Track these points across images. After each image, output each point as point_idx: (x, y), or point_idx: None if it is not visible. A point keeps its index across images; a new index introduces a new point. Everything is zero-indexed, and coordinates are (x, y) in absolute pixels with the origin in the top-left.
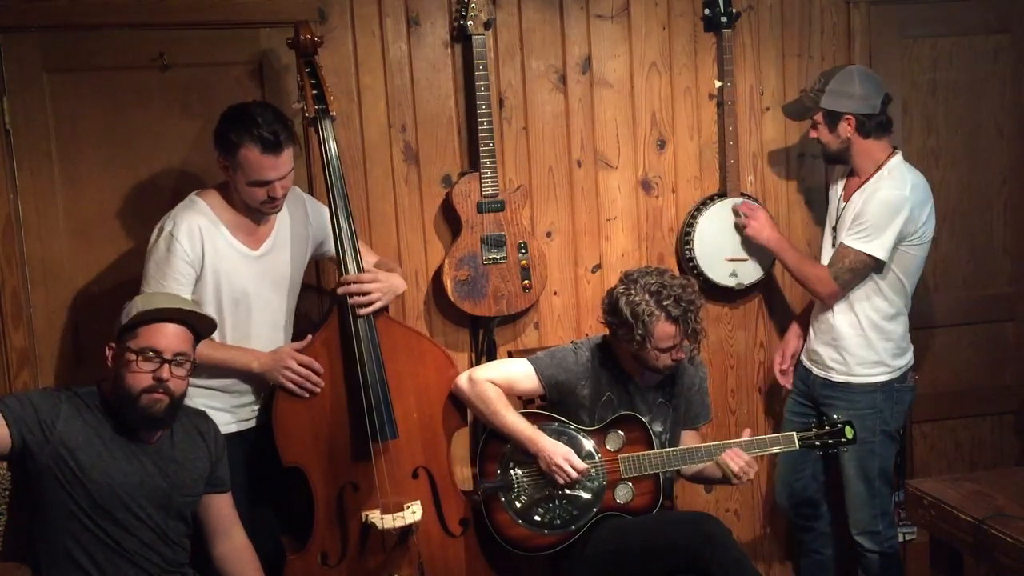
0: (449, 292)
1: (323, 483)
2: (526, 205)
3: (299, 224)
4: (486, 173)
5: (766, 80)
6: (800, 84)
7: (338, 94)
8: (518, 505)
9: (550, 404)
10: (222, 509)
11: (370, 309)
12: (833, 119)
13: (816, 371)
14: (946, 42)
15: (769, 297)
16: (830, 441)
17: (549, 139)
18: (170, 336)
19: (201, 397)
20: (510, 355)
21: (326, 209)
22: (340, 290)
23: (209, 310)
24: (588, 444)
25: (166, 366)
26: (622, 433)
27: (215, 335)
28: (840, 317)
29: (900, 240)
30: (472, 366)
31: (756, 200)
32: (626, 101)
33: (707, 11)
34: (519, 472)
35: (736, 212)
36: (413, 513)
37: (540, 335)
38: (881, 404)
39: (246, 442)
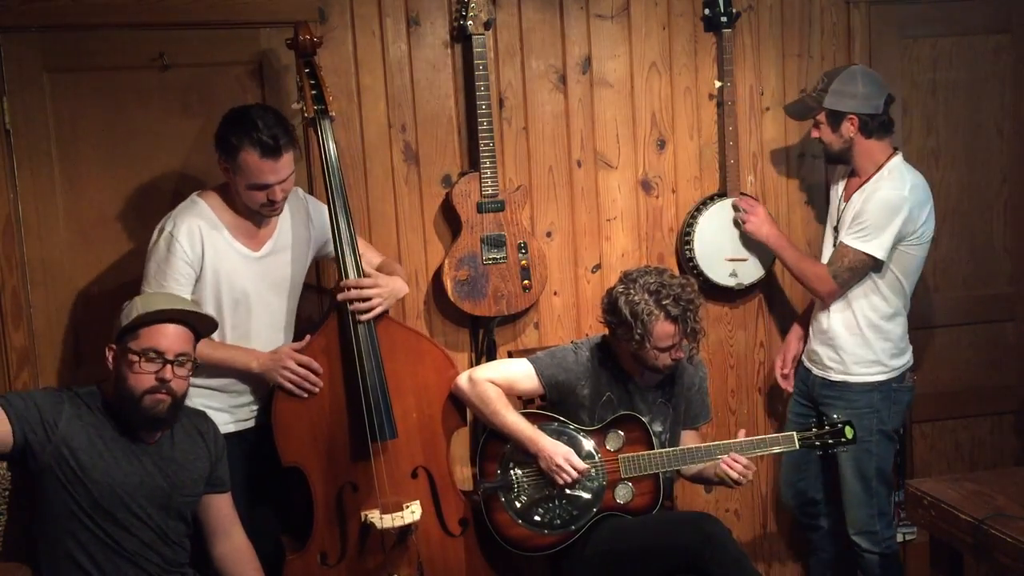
0: (449, 292)
1: (322, 483)
2: (526, 205)
3: (301, 226)
4: (486, 173)
5: (766, 80)
6: (800, 84)
7: (338, 94)
8: (518, 505)
9: (550, 404)
10: (222, 509)
11: (370, 315)
12: (836, 119)
13: (815, 371)
14: (946, 42)
15: (769, 297)
16: (830, 441)
17: (549, 139)
18: (171, 336)
19: (199, 397)
20: (510, 355)
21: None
22: (340, 296)
23: (208, 311)
24: (588, 444)
25: (168, 366)
26: (622, 433)
27: (215, 335)
28: (837, 316)
29: (899, 240)
30: (472, 366)
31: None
32: (626, 101)
33: (707, 11)
34: (519, 472)
35: (735, 208)
36: (412, 513)
37: (540, 335)
38: (878, 404)
39: (245, 442)
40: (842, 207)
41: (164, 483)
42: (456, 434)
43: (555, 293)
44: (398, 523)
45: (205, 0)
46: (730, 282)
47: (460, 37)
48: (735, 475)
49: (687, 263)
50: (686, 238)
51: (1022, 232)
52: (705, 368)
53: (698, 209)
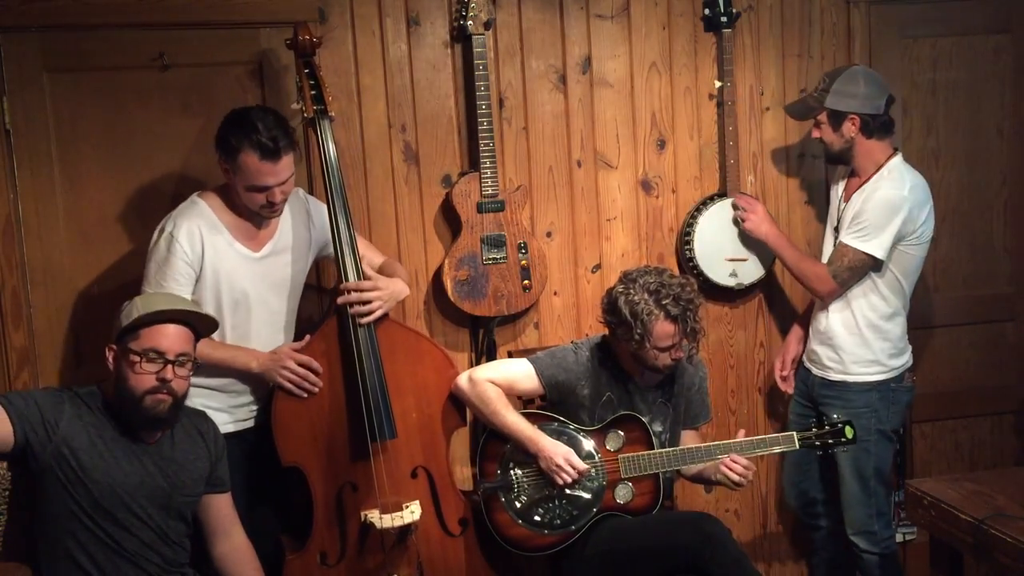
0: (449, 292)
1: (322, 483)
2: (526, 205)
3: (301, 227)
4: (486, 173)
5: (766, 80)
6: (800, 84)
7: (338, 94)
8: (518, 505)
9: (550, 404)
10: (222, 509)
11: (370, 319)
12: (837, 119)
13: (815, 371)
14: (946, 42)
15: (769, 297)
16: (830, 441)
17: (549, 139)
18: (172, 337)
19: (199, 397)
20: (510, 355)
21: None
22: (340, 299)
23: (208, 311)
24: (588, 444)
25: (169, 367)
26: (622, 433)
27: (215, 335)
28: (836, 316)
29: (898, 240)
30: (472, 366)
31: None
32: (626, 101)
33: (707, 11)
34: (519, 472)
35: (735, 206)
36: (412, 513)
37: (540, 335)
38: (876, 404)
39: (245, 442)
40: (842, 207)
41: (164, 483)
42: (456, 434)
43: (555, 293)
44: (398, 523)
45: (205, 0)
46: (730, 282)
47: (460, 37)
48: (735, 477)
49: (687, 263)
50: (686, 238)
51: (1022, 232)
52: (705, 368)
53: (698, 209)
